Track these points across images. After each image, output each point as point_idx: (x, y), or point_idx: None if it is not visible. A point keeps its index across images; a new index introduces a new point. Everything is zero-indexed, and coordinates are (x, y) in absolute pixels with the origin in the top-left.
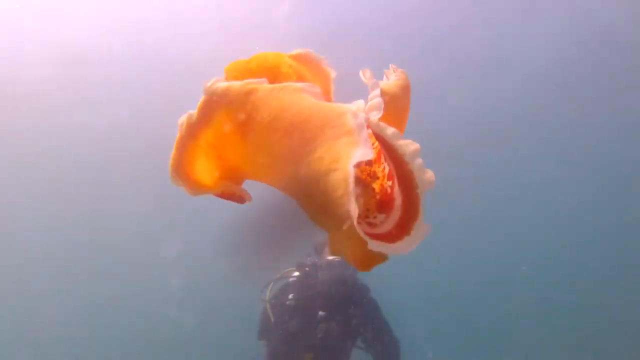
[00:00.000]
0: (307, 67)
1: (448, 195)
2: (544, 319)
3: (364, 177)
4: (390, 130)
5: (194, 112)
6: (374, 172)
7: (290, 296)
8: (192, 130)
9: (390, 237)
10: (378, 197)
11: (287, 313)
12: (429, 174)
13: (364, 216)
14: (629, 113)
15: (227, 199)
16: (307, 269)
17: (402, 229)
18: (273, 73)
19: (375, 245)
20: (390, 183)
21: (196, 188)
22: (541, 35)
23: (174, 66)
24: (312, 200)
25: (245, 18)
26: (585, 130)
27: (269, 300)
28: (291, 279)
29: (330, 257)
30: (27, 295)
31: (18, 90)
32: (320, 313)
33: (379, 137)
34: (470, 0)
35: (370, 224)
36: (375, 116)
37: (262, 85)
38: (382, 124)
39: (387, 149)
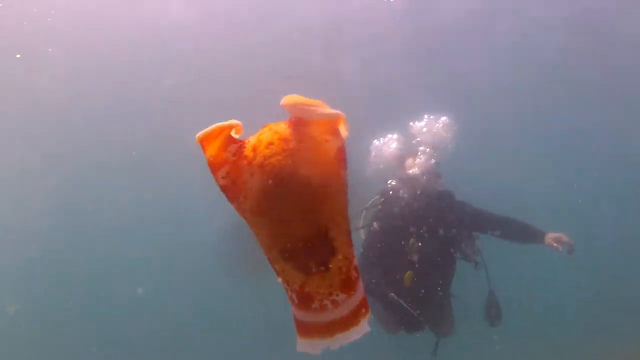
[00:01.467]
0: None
1: None
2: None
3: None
4: None
5: None
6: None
7: (375, 223)
8: None
9: (342, 322)
10: (343, 277)
11: (376, 240)
12: None
13: (327, 293)
14: None
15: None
16: (390, 192)
17: (355, 316)
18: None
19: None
20: (355, 274)
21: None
22: None
23: None
24: None
25: None
26: None
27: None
28: (378, 206)
29: (410, 171)
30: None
31: None
32: (410, 229)
33: None
34: None
35: (333, 302)
36: None
37: None
38: None
39: None
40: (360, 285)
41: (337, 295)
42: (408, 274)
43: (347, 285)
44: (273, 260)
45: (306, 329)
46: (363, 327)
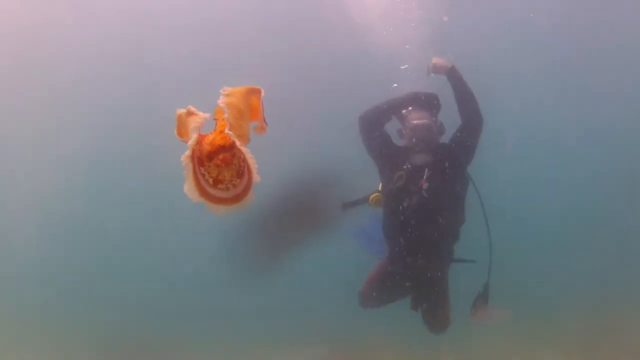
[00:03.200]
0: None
1: None
2: None
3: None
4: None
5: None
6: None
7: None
8: None
9: (238, 196)
10: (237, 169)
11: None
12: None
13: (230, 179)
14: None
15: None
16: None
17: (245, 192)
18: None
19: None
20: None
21: None
22: None
23: None
24: None
25: None
26: None
27: None
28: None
29: (415, 122)
30: None
31: None
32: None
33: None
34: None
35: (234, 185)
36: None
37: None
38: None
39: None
40: (249, 173)
41: (236, 180)
42: (375, 195)
43: (241, 174)
44: (204, 161)
45: (214, 200)
46: (250, 198)
